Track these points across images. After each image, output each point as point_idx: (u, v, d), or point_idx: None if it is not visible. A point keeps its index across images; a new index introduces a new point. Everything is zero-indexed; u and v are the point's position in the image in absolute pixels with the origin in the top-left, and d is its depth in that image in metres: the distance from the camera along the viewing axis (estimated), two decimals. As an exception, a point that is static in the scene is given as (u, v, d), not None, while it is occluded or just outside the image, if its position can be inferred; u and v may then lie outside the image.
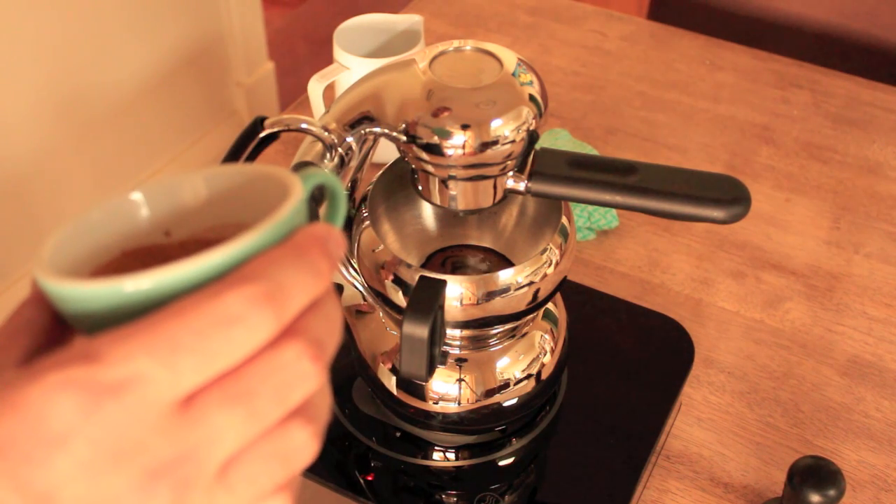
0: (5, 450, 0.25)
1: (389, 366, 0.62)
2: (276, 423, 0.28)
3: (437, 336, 0.51)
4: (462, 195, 0.55)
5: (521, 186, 0.54)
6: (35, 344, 0.30)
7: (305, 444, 0.29)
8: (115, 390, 0.25)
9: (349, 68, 0.85)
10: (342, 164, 0.53)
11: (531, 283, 0.56)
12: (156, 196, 0.33)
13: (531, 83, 0.52)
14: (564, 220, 0.58)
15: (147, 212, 0.33)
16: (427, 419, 0.62)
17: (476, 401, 0.61)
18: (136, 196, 0.33)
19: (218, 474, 0.27)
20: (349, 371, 0.68)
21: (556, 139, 0.91)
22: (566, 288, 0.61)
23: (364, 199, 0.59)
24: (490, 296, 0.55)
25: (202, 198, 0.33)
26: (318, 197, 0.41)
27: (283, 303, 0.27)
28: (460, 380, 0.60)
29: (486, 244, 0.65)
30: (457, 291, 0.55)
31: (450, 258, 0.65)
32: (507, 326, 0.60)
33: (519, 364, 0.61)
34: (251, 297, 0.27)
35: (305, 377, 0.28)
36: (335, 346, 0.30)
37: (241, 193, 0.33)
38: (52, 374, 0.25)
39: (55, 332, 0.31)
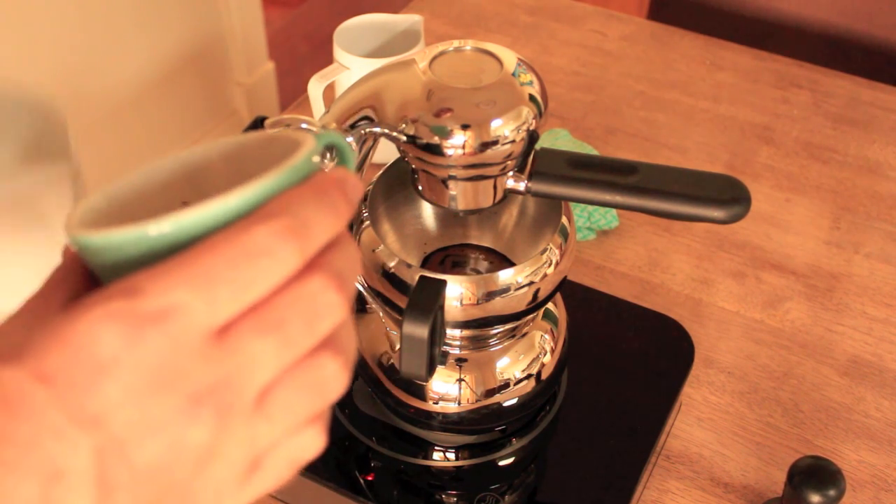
0: (55, 379, 0.26)
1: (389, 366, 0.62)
2: (308, 353, 0.30)
3: (437, 336, 0.51)
4: (462, 195, 0.55)
5: (521, 186, 0.54)
6: (73, 298, 0.31)
7: (336, 375, 0.30)
8: (157, 319, 0.27)
9: (349, 68, 0.85)
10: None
11: (531, 283, 0.56)
12: (173, 168, 0.34)
13: (531, 83, 0.52)
14: (564, 220, 0.58)
15: (165, 184, 0.33)
16: (427, 419, 0.62)
17: (476, 401, 0.61)
18: (156, 168, 0.33)
19: (256, 402, 0.29)
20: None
21: (556, 139, 0.91)
22: (566, 288, 0.61)
23: (364, 199, 0.59)
24: (490, 296, 0.55)
25: (218, 168, 0.34)
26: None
27: (307, 237, 0.29)
28: (460, 380, 0.60)
29: (486, 244, 0.65)
30: (457, 291, 0.55)
31: (450, 258, 0.65)
32: (507, 326, 0.60)
33: (519, 364, 0.61)
34: (277, 232, 0.28)
35: (331, 307, 0.30)
36: (355, 280, 0.32)
37: (256, 160, 0.34)
38: (95, 309, 0.27)
39: (90, 290, 0.32)
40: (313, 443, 0.31)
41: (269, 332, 0.28)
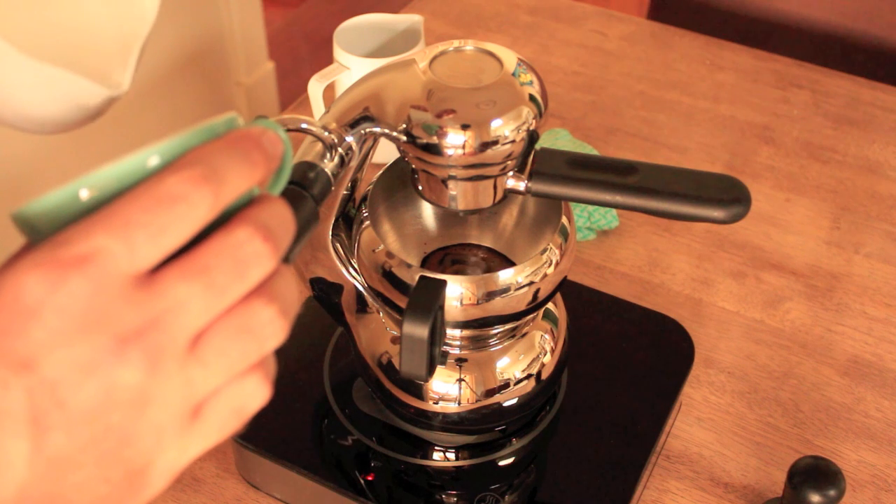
0: None
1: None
2: (239, 300, 0.31)
3: (437, 336, 0.51)
4: (462, 195, 0.55)
5: (521, 186, 0.54)
6: None
7: (271, 321, 0.31)
8: (77, 264, 0.28)
9: (349, 68, 0.85)
10: (342, 164, 0.53)
11: (531, 283, 0.56)
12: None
13: (531, 83, 0.52)
14: (564, 220, 0.58)
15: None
16: (427, 419, 0.62)
17: (476, 401, 0.61)
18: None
19: (189, 347, 0.30)
20: (349, 371, 0.68)
21: (556, 139, 0.91)
22: (566, 288, 0.61)
23: (364, 199, 0.59)
24: (490, 296, 0.55)
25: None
26: (311, 188, 0.42)
27: (219, 183, 0.30)
28: (460, 380, 0.60)
29: (487, 244, 0.65)
30: (457, 291, 0.55)
31: (449, 258, 0.65)
32: (507, 326, 0.60)
33: (519, 364, 0.61)
34: (190, 178, 0.30)
35: (258, 255, 0.31)
36: (287, 238, 0.33)
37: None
38: (21, 261, 0.28)
39: None
40: (256, 392, 0.32)
41: (194, 277, 0.29)
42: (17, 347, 0.27)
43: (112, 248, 0.28)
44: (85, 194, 0.30)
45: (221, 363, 0.30)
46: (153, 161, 0.31)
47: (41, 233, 0.30)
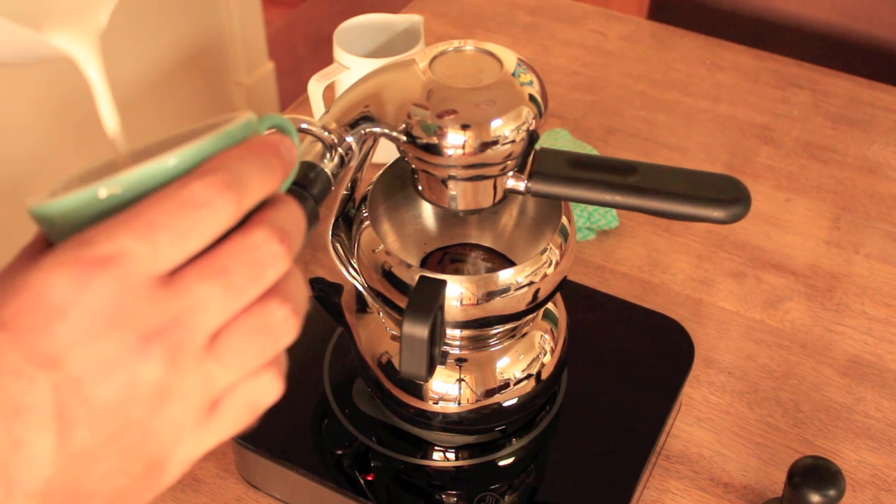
0: (11, 325, 0.28)
1: (389, 366, 0.62)
2: (255, 300, 0.32)
3: (437, 336, 0.51)
4: (462, 195, 0.55)
5: (521, 186, 0.54)
6: None
7: (285, 320, 0.32)
8: (103, 264, 0.28)
9: (349, 68, 0.86)
10: (342, 164, 0.53)
11: (531, 283, 0.56)
12: (134, 154, 0.35)
13: (531, 83, 0.52)
14: (564, 220, 0.58)
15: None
16: (427, 419, 0.62)
17: (476, 401, 0.61)
18: (115, 157, 0.35)
19: (207, 345, 0.31)
20: (349, 371, 0.68)
21: (556, 139, 0.91)
22: (566, 288, 0.61)
23: (364, 199, 0.59)
24: (490, 296, 0.55)
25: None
26: (311, 188, 0.42)
27: (241, 190, 0.31)
28: (460, 380, 0.60)
29: (486, 244, 0.65)
30: (457, 291, 0.55)
31: (449, 258, 0.65)
32: (507, 326, 0.60)
33: (519, 364, 0.61)
34: (213, 185, 0.30)
35: (274, 257, 0.32)
36: (299, 239, 0.34)
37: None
38: (47, 260, 0.29)
39: None
40: (270, 387, 0.33)
41: (214, 277, 0.30)
42: (44, 345, 0.28)
43: (136, 249, 0.29)
44: (104, 194, 0.30)
45: (238, 360, 0.31)
46: (173, 166, 0.31)
47: (56, 226, 0.31)
